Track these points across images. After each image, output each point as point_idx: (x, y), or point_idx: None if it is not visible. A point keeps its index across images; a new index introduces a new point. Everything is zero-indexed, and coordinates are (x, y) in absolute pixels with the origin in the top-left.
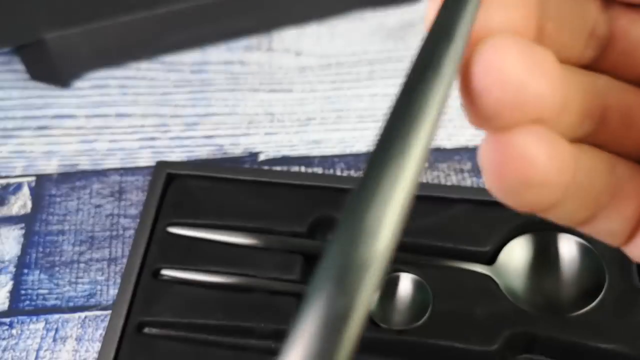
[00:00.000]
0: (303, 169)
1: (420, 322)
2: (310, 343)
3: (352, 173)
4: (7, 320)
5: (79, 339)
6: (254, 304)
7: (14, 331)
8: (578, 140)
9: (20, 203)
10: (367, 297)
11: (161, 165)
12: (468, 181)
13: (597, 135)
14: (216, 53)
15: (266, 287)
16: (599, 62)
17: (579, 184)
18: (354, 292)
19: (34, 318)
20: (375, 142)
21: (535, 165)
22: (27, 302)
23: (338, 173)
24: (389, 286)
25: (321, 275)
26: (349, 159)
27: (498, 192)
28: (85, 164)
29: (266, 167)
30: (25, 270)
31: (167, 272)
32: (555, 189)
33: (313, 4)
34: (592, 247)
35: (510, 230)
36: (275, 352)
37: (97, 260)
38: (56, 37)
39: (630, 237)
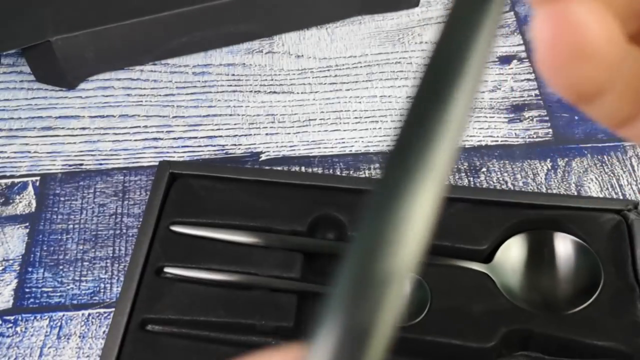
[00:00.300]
0: (303, 168)
1: (419, 319)
2: None
3: (351, 173)
4: (11, 317)
5: (82, 336)
6: (255, 301)
7: (18, 328)
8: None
9: (25, 202)
10: (390, 315)
11: (164, 165)
12: (465, 181)
13: None
14: (218, 55)
15: (267, 285)
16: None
17: (625, 73)
18: (374, 310)
19: (38, 315)
20: (398, 131)
21: (587, 31)
22: (32, 299)
23: (337, 173)
24: None
25: (338, 292)
26: (348, 159)
27: (549, 65)
28: (89, 163)
29: (267, 167)
30: (30, 269)
31: (169, 270)
32: (604, 64)
33: (313, 9)
34: (589, 246)
35: (507, 228)
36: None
37: (101, 259)
38: (61, 40)
39: None
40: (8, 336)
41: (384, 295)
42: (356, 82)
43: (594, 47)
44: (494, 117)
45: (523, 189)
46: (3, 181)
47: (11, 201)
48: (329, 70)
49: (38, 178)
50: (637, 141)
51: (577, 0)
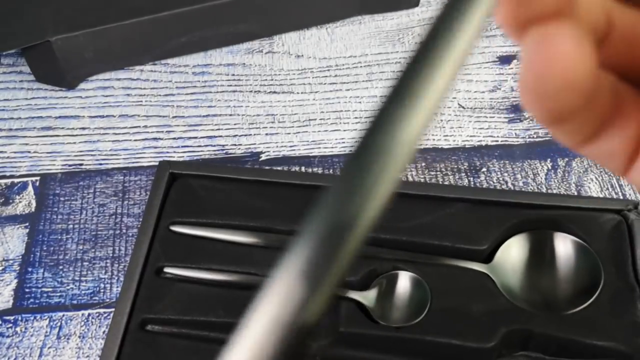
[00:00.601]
0: (303, 168)
1: (419, 319)
2: (315, 244)
3: None
4: (11, 317)
5: (82, 337)
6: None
7: (18, 329)
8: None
9: (25, 202)
10: (376, 205)
11: (164, 165)
12: (465, 181)
13: (600, 52)
14: (218, 55)
15: None
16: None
17: (595, 95)
18: (363, 198)
19: (38, 316)
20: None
21: (573, 64)
22: (31, 300)
23: (337, 173)
24: (388, 284)
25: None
26: None
27: (533, 93)
28: (89, 163)
29: (267, 167)
30: (30, 269)
31: (169, 270)
32: (584, 93)
33: (313, 9)
34: (589, 246)
35: (507, 228)
36: None
37: (101, 259)
38: (61, 40)
39: (630, 162)
40: (8, 336)
41: (373, 186)
42: (356, 82)
43: (578, 79)
44: (494, 117)
45: (523, 189)
46: (3, 181)
47: (11, 201)
48: (329, 70)
49: (38, 178)
50: (602, 162)
51: (559, 26)
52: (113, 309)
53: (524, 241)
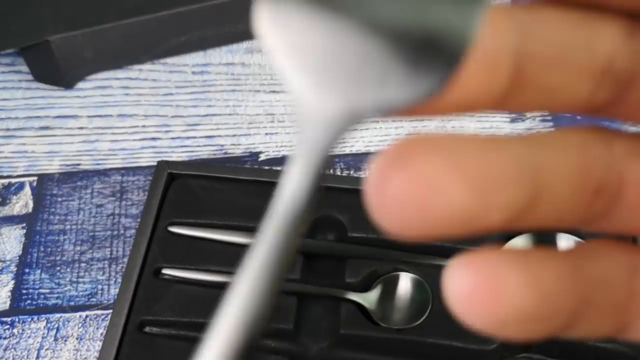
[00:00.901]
0: None
1: (420, 321)
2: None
3: (351, 173)
4: (8, 319)
5: (80, 338)
6: None
7: (15, 330)
8: (591, 220)
9: (22, 203)
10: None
11: (162, 165)
12: None
13: (614, 215)
14: (218, 55)
15: None
16: (618, 104)
17: (592, 299)
18: None
19: (35, 317)
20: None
21: (514, 302)
22: (29, 301)
23: (337, 173)
24: (389, 285)
25: None
26: (348, 159)
27: (467, 321)
28: (86, 163)
29: (266, 167)
30: (27, 270)
31: (167, 271)
32: (548, 319)
33: None
34: None
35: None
36: (275, 351)
37: (98, 260)
38: (60, 39)
39: None
40: (5, 338)
41: None
42: None
43: (521, 317)
44: (495, 117)
45: None
46: (0, 181)
47: (8, 202)
48: None
49: (35, 178)
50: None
51: (500, 260)
52: (111, 311)
53: (526, 242)
